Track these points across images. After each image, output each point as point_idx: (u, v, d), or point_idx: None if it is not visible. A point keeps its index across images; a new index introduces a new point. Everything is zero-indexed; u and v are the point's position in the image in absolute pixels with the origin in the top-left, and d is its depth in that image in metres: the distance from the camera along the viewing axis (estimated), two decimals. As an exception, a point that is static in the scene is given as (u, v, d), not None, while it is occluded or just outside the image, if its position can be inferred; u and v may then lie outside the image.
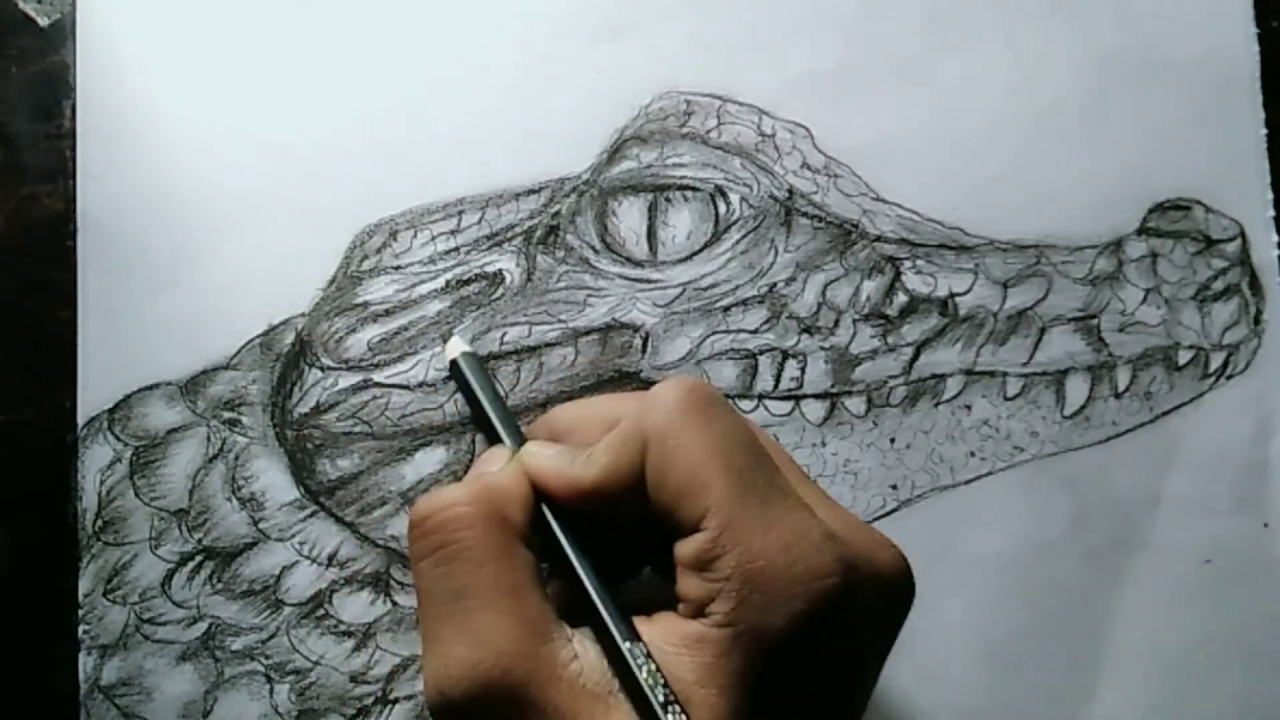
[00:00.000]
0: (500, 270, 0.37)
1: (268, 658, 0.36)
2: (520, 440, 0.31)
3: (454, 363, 0.34)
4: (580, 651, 0.26)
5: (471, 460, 0.36)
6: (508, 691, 0.25)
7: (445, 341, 0.36)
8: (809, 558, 0.25)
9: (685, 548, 0.26)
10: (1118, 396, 0.37)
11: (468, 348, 0.34)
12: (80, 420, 0.37)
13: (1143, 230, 0.37)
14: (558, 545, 0.28)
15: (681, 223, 0.37)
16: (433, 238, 0.37)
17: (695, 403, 0.27)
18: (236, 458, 0.37)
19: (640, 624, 0.26)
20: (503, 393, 0.33)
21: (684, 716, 0.24)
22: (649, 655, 0.25)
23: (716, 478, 0.26)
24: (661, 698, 0.24)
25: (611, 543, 0.29)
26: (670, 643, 0.25)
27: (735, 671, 0.25)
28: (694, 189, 0.37)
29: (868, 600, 0.26)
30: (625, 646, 0.26)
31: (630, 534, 0.29)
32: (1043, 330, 0.36)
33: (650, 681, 0.25)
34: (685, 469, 0.26)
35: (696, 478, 0.26)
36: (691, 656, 0.25)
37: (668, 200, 0.37)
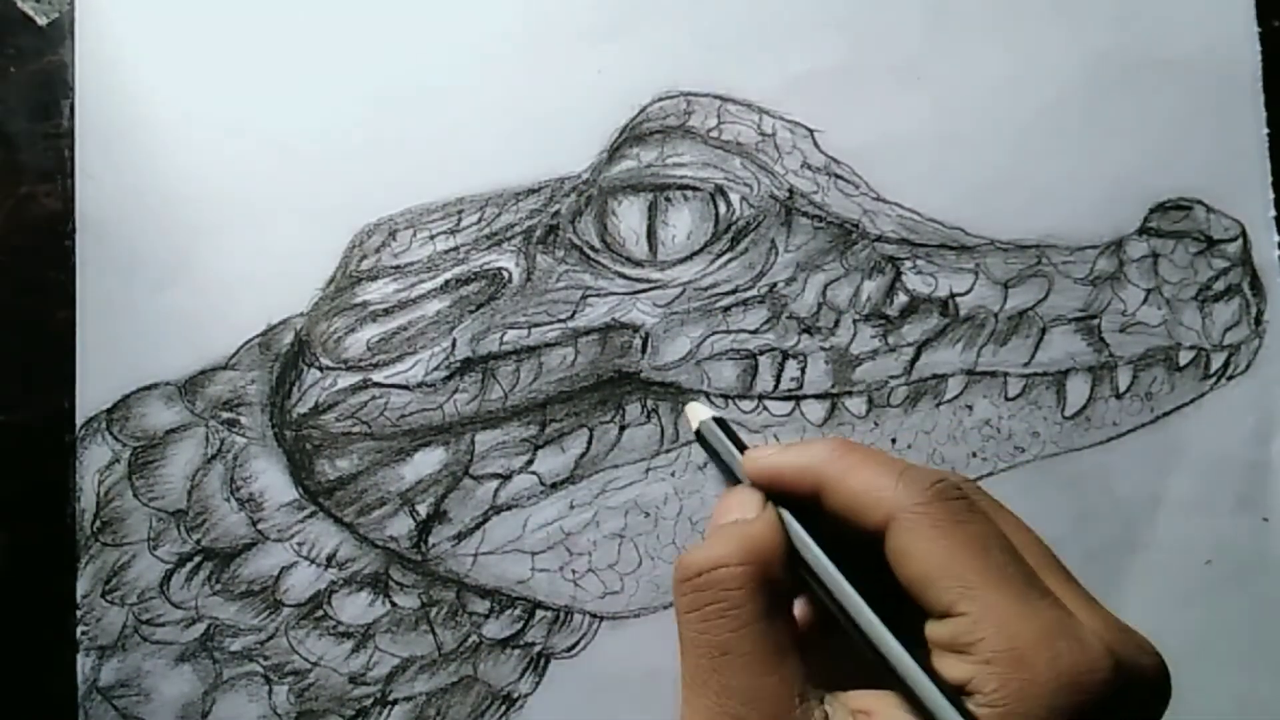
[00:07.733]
0: (500, 270, 0.37)
1: (266, 658, 0.36)
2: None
3: (699, 432, 0.32)
4: (831, 713, 0.26)
5: (471, 460, 0.36)
6: None
7: (683, 409, 0.35)
8: (1075, 650, 0.25)
9: (940, 629, 0.26)
10: (1119, 397, 0.37)
11: (709, 413, 0.31)
12: (79, 420, 0.36)
13: (1144, 230, 0.37)
14: (823, 587, 0.28)
15: (681, 222, 0.37)
16: (432, 237, 0.37)
17: (947, 494, 0.27)
18: (235, 458, 0.36)
19: (890, 696, 0.26)
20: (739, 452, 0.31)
21: None
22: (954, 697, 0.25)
23: (970, 569, 0.26)
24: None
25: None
26: None
27: None
28: (694, 189, 0.37)
29: (1134, 701, 0.26)
30: (925, 683, 0.25)
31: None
32: (1044, 330, 0.36)
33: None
34: (934, 556, 0.26)
35: (947, 567, 0.26)
36: None
37: (668, 200, 0.37)
